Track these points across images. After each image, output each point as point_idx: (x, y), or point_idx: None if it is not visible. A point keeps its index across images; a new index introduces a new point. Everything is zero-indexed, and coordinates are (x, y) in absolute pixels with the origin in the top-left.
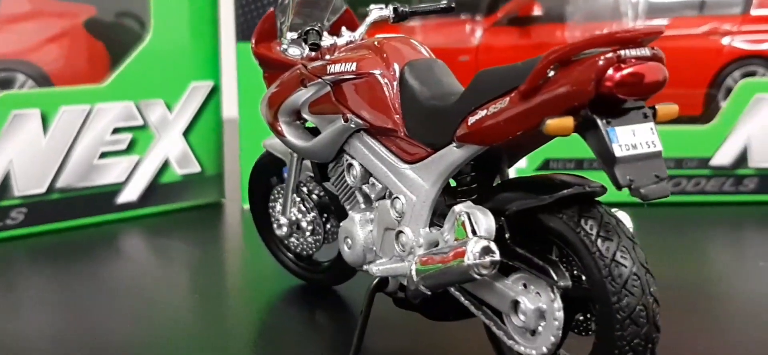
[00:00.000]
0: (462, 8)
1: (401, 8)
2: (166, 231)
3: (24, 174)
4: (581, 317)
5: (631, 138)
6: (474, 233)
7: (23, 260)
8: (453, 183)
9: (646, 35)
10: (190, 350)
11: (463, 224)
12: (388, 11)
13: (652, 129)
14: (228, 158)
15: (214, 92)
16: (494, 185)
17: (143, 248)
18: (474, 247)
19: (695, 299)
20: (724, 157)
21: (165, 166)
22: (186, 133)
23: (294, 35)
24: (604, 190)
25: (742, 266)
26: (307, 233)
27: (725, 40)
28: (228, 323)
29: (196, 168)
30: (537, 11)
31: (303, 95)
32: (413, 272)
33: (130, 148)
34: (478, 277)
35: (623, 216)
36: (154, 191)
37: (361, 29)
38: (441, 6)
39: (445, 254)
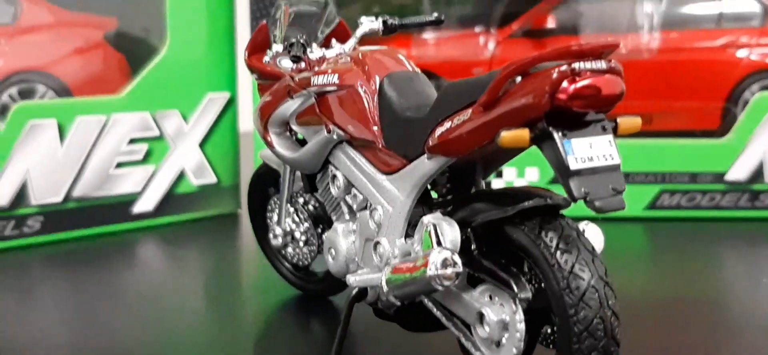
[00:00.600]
0: (476, 21)
1: (391, 21)
2: (181, 241)
3: (41, 183)
4: (548, 330)
5: (588, 151)
6: (439, 243)
7: (39, 267)
8: (435, 195)
9: (602, 48)
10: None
11: (429, 234)
12: (378, 24)
13: (610, 142)
14: (244, 170)
15: (231, 103)
16: (466, 196)
17: (157, 257)
18: (436, 258)
19: (699, 313)
20: (739, 172)
21: (181, 176)
22: (202, 144)
23: (279, 48)
24: (567, 203)
25: (748, 282)
26: (302, 243)
27: (743, 53)
28: (228, 331)
29: (212, 179)
30: (551, 24)
31: (290, 106)
32: (383, 283)
33: (146, 158)
34: (440, 288)
35: (593, 229)
36: (170, 200)
37: (351, 42)
38: (430, 19)
39: (410, 265)
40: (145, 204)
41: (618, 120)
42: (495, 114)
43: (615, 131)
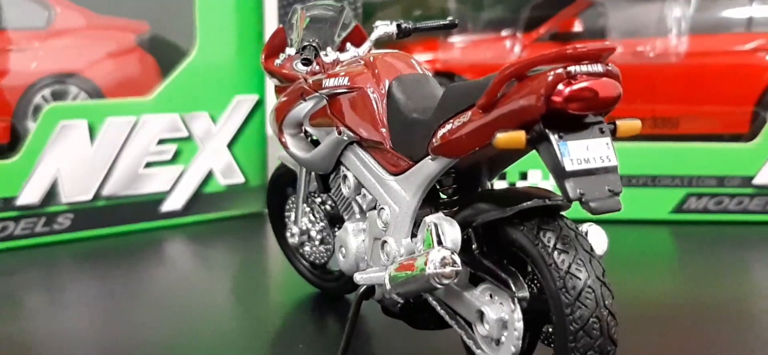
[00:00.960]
0: (503, 24)
1: (404, 24)
2: (209, 239)
3: (71, 182)
4: (550, 329)
5: (584, 153)
6: (440, 243)
7: (69, 263)
8: (444, 196)
9: (598, 51)
10: (207, 348)
11: (430, 233)
12: (392, 28)
13: (607, 144)
14: (272, 171)
15: (259, 106)
16: (469, 196)
17: (185, 255)
18: (435, 256)
19: (724, 317)
20: (767, 175)
21: (209, 176)
22: (230, 145)
23: (292, 51)
24: (568, 204)
25: None
26: (318, 242)
27: None
28: (249, 327)
29: (240, 179)
30: (578, 27)
31: (304, 108)
32: (387, 280)
33: (174, 158)
34: (439, 286)
35: (596, 231)
36: (198, 200)
37: (366, 45)
38: (444, 23)
39: (411, 263)
40: (173, 203)
41: (617, 123)
42: (492, 116)
43: (614, 134)
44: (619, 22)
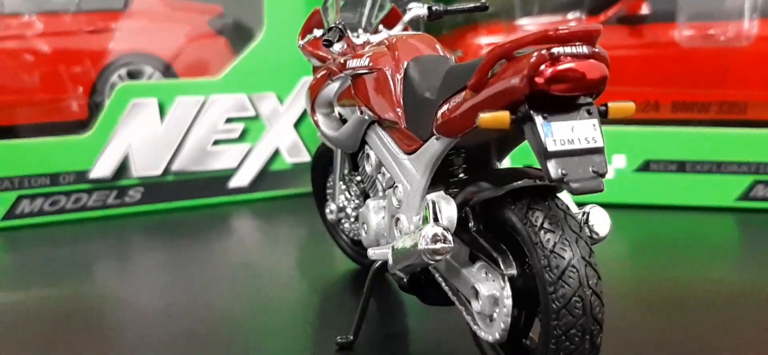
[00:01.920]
0: (569, 7)
1: (435, 7)
2: (273, 215)
3: (142, 157)
4: None
5: (569, 133)
6: (436, 220)
7: (139, 234)
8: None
9: (584, 33)
10: (258, 311)
11: (428, 211)
12: (423, 10)
13: (594, 126)
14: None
15: None
16: (472, 176)
17: (248, 229)
18: (427, 232)
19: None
20: None
21: (275, 154)
22: (297, 125)
23: (319, 33)
24: (561, 184)
25: None
26: (353, 219)
27: None
28: (299, 297)
29: (305, 157)
30: (645, 10)
31: (333, 88)
32: (390, 256)
33: (242, 136)
34: (431, 261)
35: (598, 213)
36: (265, 177)
37: (398, 27)
38: (474, 5)
39: (408, 239)
40: (240, 179)
41: (608, 105)
42: (481, 97)
43: (605, 116)
44: (689, 5)
